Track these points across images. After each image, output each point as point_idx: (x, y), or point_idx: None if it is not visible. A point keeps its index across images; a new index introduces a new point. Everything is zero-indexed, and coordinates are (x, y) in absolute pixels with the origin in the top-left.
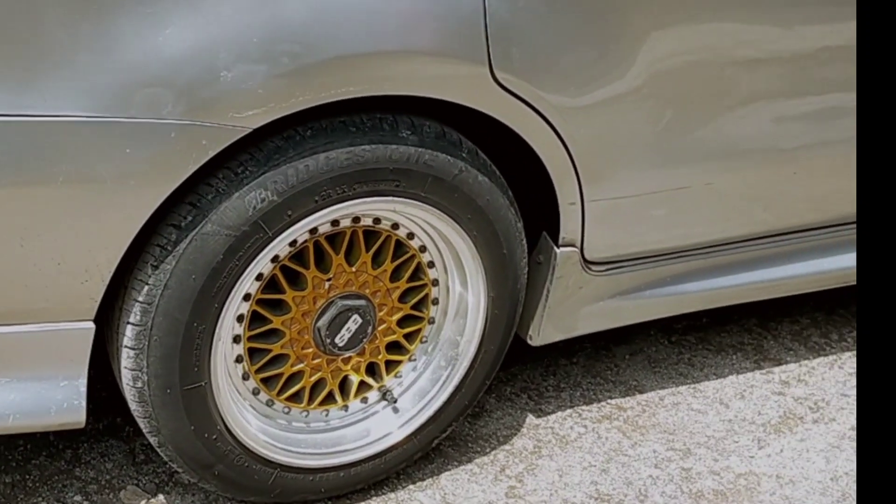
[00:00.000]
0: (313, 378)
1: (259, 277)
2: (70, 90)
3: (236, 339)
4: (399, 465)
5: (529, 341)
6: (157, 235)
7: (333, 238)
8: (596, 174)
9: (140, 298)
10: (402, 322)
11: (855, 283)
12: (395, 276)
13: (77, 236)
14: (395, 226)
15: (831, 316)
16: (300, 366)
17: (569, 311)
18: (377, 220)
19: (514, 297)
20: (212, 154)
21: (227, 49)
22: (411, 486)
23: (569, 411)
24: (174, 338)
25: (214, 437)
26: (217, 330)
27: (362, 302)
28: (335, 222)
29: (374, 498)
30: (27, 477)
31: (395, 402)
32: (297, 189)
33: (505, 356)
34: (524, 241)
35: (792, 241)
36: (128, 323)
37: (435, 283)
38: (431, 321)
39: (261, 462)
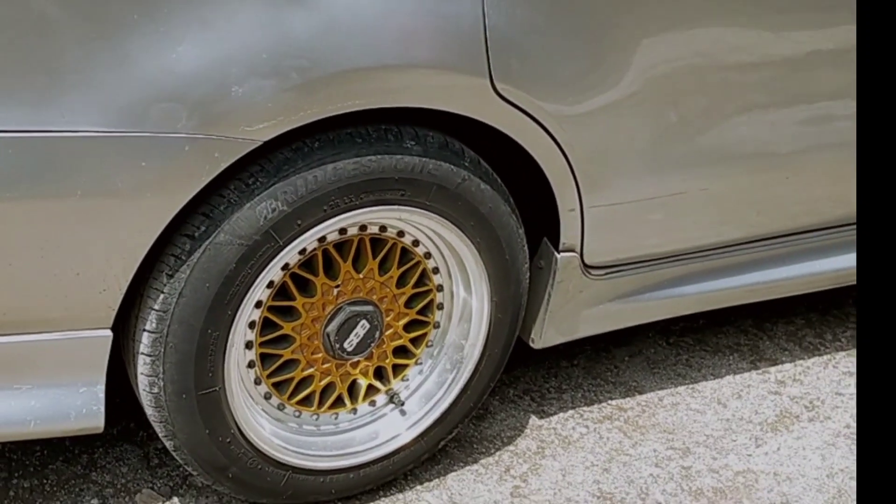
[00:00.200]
0: (323, 382)
1: (270, 285)
2: (88, 106)
3: (248, 345)
4: (407, 466)
5: (532, 344)
6: (172, 245)
7: (341, 246)
8: (594, 181)
9: (156, 307)
10: (408, 327)
11: (848, 283)
12: (402, 282)
13: (95, 247)
14: (401, 233)
15: (825, 316)
16: (310, 370)
17: (570, 314)
18: (383, 228)
19: (516, 302)
20: (224, 166)
21: (238, 65)
22: (419, 487)
23: (571, 412)
24: (189, 344)
25: (228, 440)
26: (230, 336)
27: (370, 308)
28: (343, 230)
29: (383, 498)
30: (45, 482)
31: (403, 404)
32: (306, 199)
33: (508, 359)
34: (525, 247)
35: (786, 243)
36: (144, 330)
37: (440, 288)
38: (437, 326)
39: (273, 464)
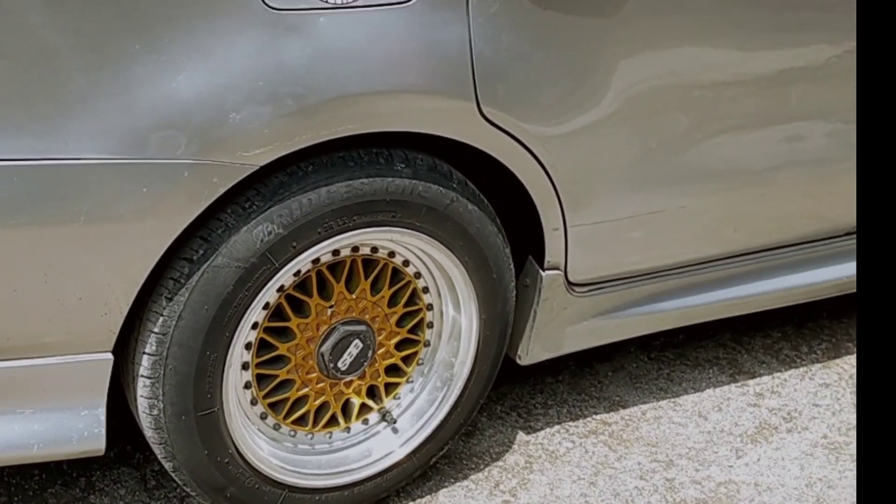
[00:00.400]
0: (317, 402)
1: (266, 306)
2: (90, 134)
3: (245, 366)
4: (399, 483)
5: (518, 361)
6: (171, 269)
7: (334, 267)
8: (577, 200)
9: (155, 329)
10: (399, 346)
11: (821, 297)
12: (393, 301)
13: (97, 271)
14: (392, 254)
15: (801, 329)
16: (305, 390)
17: (555, 330)
18: (375, 249)
19: (503, 319)
20: (222, 191)
21: (236, 92)
22: None
23: (557, 427)
24: (188, 366)
25: (226, 460)
26: (228, 358)
27: (362, 327)
28: (336, 252)
29: None
30: None
31: (395, 422)
32: (301, 222)
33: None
34: (512, 266)
35: (761, 259)
36: (144, 353)
37: (430, 307)
38: (427, 344)
39: (270, 484)
